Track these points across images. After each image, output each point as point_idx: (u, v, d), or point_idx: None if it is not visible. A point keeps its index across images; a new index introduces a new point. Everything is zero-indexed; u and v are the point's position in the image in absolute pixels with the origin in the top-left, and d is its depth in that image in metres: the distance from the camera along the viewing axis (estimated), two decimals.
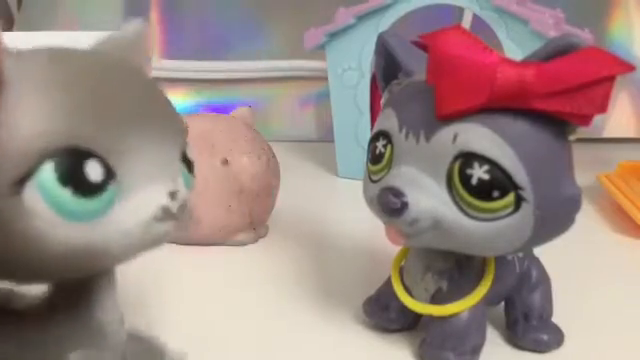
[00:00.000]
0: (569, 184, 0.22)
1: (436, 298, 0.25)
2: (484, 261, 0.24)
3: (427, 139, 0.22)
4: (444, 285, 0.25)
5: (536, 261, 0.27)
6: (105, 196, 0.16)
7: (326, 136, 0.52)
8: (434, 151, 0.21)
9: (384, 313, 0.27)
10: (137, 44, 0.20)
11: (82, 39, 0.37)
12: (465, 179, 0.21)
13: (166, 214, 0.17)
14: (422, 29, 0.23)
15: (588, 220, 0.40)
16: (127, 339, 0.20)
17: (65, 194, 0.15)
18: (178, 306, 0.29)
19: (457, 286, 0.24)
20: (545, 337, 0.26)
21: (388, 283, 0.26)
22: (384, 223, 0.23)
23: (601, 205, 0.43)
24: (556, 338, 0.26)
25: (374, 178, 0.24)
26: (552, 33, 0.40)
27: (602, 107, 0.20)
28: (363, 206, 0.25)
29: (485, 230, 0.21)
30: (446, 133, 0.21)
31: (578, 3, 0.54)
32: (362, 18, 0.45)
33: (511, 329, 0.26)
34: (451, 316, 0.24)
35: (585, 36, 0.45)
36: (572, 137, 0.22)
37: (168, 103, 0.19)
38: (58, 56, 0.17)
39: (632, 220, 0.38)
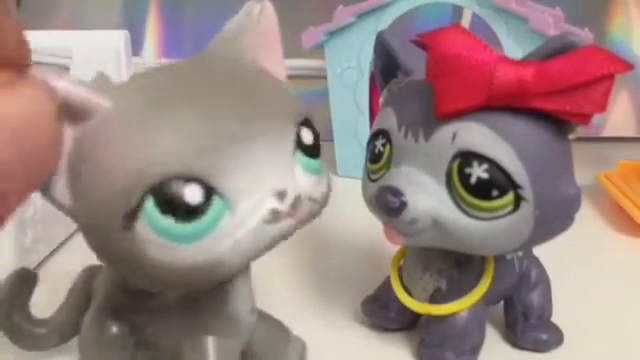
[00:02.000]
0: (569, 183, 0.22)
1: (435, 297, 0.25)
2: (483, 260, 0.24)
3: (426, 138, 0.22)
4: (443, 284, 0.25)
5: (535, 261, 0.27)
6: (209, 214, 0.16)
7: (325, 135, 0.52)
8: (433, 150, 0.21)
9: (383, 312, 0.27)
10: (246, 34, 0.19)
11: (81, 39, 0.37)
12: (464, 178, 0.21)
13: (275, 216, 0.17)
14: (421, 28, 0.23)
15: (588, 219, 0.40)
16: (256, 322, 0.21)
17: (169, 222, 0.16)
18: None
19: (456, 285, 0.24)
20: (544, 336, 0.26)
21: (387, 283, 0.26)
22: (383, 222, 0.23)
23: (601, 204, 0.42)
24: (556, 338, 0.26)
25: (373, 177, 0.24)
26: (552, 32, 0.40)
27: (601, 106, 0.20)
28: (362, 205, 0.25)
29: (484, 229, 0.21)
30: (445, 132, 0.21)
31: (578, 2, 0.54)
32: (361, 17, 0.45)
33: (510, 328, 0.26)
34: (450, 315, 0.24)
35: (585, 35, 0.45)
36: (572, 136, 0.22)
37: (275, 95, 0.18)
38: (149, 85, 0.17)
39: (632, 219, 0.38)
